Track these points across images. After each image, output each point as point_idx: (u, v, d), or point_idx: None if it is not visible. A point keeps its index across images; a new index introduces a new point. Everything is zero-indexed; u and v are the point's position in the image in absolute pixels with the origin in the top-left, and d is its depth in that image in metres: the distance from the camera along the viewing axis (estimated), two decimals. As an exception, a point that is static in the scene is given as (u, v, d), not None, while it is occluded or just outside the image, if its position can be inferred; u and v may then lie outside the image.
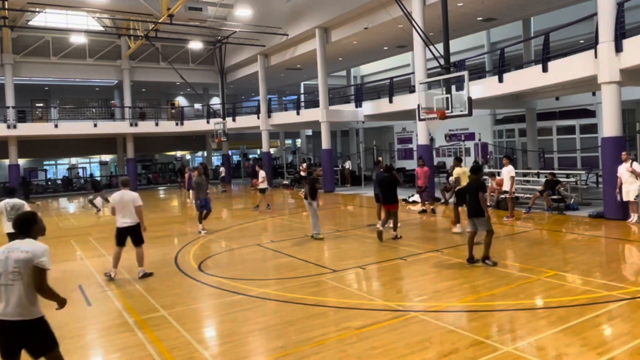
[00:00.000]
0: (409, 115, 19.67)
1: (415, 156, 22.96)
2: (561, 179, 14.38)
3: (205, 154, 38.83)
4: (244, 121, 30.24)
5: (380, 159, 17.38)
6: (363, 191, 21.68)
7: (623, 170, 11.21)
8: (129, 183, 8.66)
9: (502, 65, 15.69)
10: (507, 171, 13.01)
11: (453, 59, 15.26)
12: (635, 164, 11.16)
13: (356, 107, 23.57)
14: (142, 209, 8.35)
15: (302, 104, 27.96)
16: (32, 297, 3.88)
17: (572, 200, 13.77)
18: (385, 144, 33.88)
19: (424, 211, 14.62)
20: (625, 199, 11.21)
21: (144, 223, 8.43)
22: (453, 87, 12.27)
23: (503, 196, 13.71)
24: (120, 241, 8.37)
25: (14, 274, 3.81)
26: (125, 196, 8.28)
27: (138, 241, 8.38)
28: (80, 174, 33.90)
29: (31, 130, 27.62)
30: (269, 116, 27.99)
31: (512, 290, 6.73)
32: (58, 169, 34.55)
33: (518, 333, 5.27)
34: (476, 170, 8.47)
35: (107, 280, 8.29)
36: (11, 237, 5.33)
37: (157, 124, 30.53)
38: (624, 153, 11.31)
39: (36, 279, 3.84)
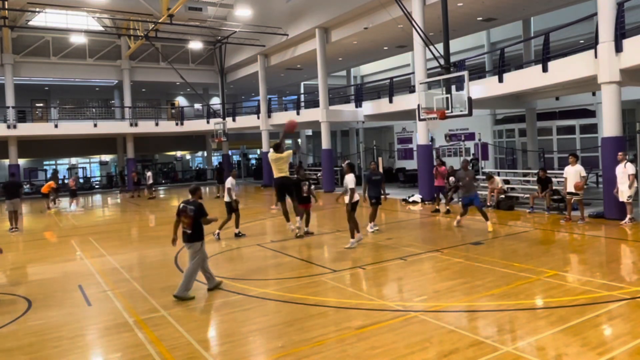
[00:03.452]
0: (409, 115, 19.67)
1: (415, 156, 22.97)
2: (561, 179, 14.36)
3: (205, 154, 38.83)
4: (244, 121, 30.24)
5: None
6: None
7: (618, 171, 11.25)
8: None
9: (502, 65, 15.68)
10: (576, 170, 11.74)
11: (453, 59, 15.25)
12: (629, 164, 11.16)
13: (356, 107, 23.57)
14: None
15: (302, 104, 27.96)
16: None
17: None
18: (385, 144, 33.87)
19: (437, 210, 14.58)
20: (620, 199, 11.24)
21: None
22: (453, 87, 12.25)
23: (575, 198, 11.90)
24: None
25: None
26: None
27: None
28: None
29: (31, 130, 27.62)
30: (269, 116, 27.99)
31: (512, 290, 6.72)
32: (58, 169, 34.52)
33: (518, 333, 5.26)
34: None
35: (108, 281, 8.29)
36: None
37: (157, 124, 30.53)
38: (619, 154, 11.33)
39: None
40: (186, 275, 7.15)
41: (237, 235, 11.87)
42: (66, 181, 28.57)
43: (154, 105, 35.74)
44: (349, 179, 10.06)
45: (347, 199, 10.03)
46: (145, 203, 22.22)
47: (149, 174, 25.30)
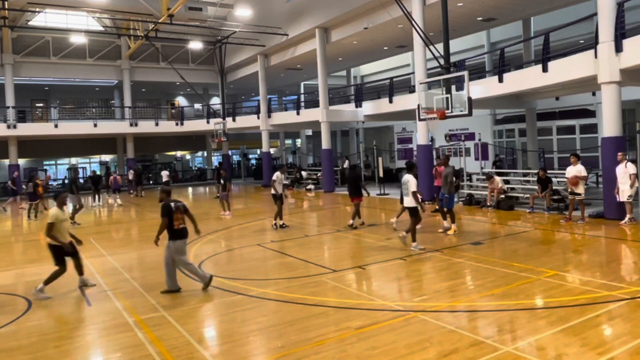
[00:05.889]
0: (409, 115, 19.66)
1: (415, 156, 22.97)
2: (561, 179, 14.37)
3: (205, 154, 38.83)
4: (244, 121, 30.24)
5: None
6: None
7: (619, 171, 11.26)
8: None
9: (502, 65, 15.68)
10: (577, 170, 11.78)
11: (453, 59, 15.23)
12: (629, 164, 11.16)
13: (356, 107, 23.58)
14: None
15: (302, 104, 27.96)
16: None
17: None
18: (385, 144, 33.86)
19: (437, 210, 14.54)
20: (620, 199, 11.25)
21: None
22: (453, 87, 12.24)
23: (577, 198, 11.86)
24: None
25: None
26: None
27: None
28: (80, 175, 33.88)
29: (31, 130, 27.63)
30: (269, 116, 27.99)
31: (512, 290, 6.72)
32: (58, 169, 34.54)
33: (518, 333, 5.26)
34: None
35: (112, 282, 8.29)
36: None
37: (157, 124, 30.54)
38: (619, 154, 11.34)
39: None
40: (192, 271, 7.42)
41: (282, 226, 12.71)
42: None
43: (154, 105, 35.75)
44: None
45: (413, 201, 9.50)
46: (145, 203, 22.19)
47: (164, 172, 25.20)
